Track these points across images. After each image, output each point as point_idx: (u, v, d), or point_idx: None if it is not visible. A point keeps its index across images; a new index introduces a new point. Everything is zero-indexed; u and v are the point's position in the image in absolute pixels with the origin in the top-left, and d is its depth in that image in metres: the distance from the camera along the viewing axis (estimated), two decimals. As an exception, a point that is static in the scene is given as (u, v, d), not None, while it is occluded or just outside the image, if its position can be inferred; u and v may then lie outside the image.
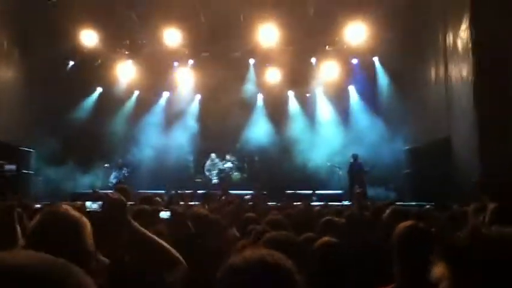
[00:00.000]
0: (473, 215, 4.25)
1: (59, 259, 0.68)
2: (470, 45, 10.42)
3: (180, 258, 1.79)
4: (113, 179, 14.59)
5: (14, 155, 11.76)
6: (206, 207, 7.19)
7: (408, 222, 2.67)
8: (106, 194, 1.86)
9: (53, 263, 0.67)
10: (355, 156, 14.01)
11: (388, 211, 4.27)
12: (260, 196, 7.47)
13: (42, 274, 0.64)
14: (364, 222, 4.55)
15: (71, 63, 15.51)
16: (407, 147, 14.00)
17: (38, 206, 5.21)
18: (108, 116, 16.32)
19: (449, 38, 11.88)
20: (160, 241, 1.83)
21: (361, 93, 16.60)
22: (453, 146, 11.58)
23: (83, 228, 1.70)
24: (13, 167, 10.67)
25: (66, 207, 1.77)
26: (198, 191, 12.80)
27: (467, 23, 10.51)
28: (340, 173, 14.69)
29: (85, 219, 1.72)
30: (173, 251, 1.82)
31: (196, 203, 7.95)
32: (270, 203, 9.18)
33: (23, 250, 0.68)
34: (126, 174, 14.71)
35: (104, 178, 14.87)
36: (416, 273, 2.47)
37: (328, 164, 14.96)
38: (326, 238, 2.81)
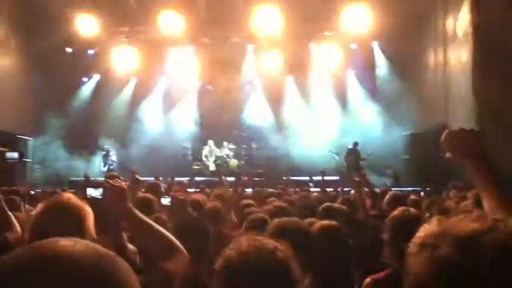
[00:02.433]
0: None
1: (110, 252, 0.69)
2: (469, 30, 10.36)
3: (180, 246, 1.79)
4: (103, 166, 14.62)
5: (12, 143, 11.75)
6: (208, 193, 7.22)
7: (399, 209, 2.70)
8: (107, 180, 1.85)
9: (107, 257, 0.68)
10: (355, 144, 14.01)
11: (387, 197, 4.30)
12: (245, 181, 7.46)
13: (95, 268, 0.65)
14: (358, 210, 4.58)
15: (69, 50, 15.39)
16: (405, 133, 14.00)
17: (33, 192, 5.21)
18: (106, 103, 16.27)
19: (449, 24, 11.81)
20: (161, 229, 1.83)
21: (360, 79, 16.55)
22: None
23: (86, 217, 1.70)
24: (15, 154, 10.68)
25: (68, 195, 1.77)
26: (196, 178, 12.86)
27: (467, 8, 10.44)
28: (337, 158, 14.70)
29: (88, 208, 1.72)
30: (173, 238, 1.82)
31: (195, 189, 7.96)
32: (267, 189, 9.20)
33: (79, 240, 0.69)
34: (115, 160, 14.74)
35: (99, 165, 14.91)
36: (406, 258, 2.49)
37: (329, 151, 14.97)
38: (326, 221, 2.82)
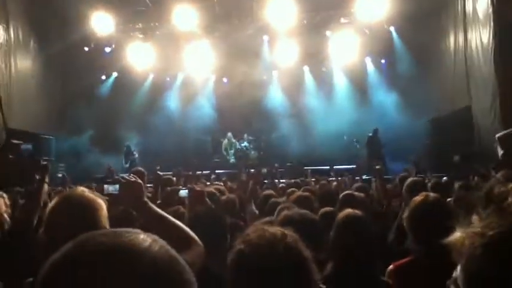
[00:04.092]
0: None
1: (176, 255, 0.72)
2: (490, 11, 10.11)
3: (196, 238, 1.82)
4: (125, 163, 14.79)
5: (34, 143, 11.96)
6: (228, 184, 7.25)
7: (420, 196, 2.66)
8: (123, 177, 1.91)
9: (177, 260, 0.72)
10: (375, 131, 13.86)
11: (406, 183, 4.24)
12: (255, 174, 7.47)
13: (167, 270, 0.69)
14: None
15: (86, 49, 15.59)
16: (426, 118, 13.77)
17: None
18: (125, 100, 16.45)
19: (469, 5, 11.53)
20: (177, 222, 1.87)
21: (378, 65, 16.33)
22: (474, 114, 11.37)
23: (98, 209, 1.74)
24: (29, 146, 10.89)
25: (81, 189, 1.82)
26: (216, 171, 12.92)
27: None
28: (358, 146, 14.57)
29: (100, 201, 1.76)
30: (189, 231, 1.85)
31: (216, 182, 7.99)
32: (288, 180, 9.19)
33: (156, 238, 0.73)
34: (136, 156, 14.91)
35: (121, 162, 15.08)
36: (430, 246, 2.47)
37: (345, 138, 14.85)
38: (349, 210, 2.79)
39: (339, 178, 7.30)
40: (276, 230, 1.42)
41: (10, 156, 10.02)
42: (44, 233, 1.71)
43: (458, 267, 0.94)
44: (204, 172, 10.64)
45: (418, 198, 2.66)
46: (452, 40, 12.88)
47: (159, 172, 4.86)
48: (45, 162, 3.37)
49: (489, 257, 0.85)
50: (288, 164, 13.25)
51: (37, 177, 3.19)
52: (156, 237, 0.73)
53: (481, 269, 0.86)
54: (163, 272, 0.68)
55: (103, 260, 0.65)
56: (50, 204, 1.78)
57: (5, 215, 3.08)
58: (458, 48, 12.44)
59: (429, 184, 4.86)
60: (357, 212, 2.73)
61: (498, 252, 0.84)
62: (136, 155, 14.97)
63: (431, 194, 2.70)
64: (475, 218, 0.96)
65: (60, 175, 13.41)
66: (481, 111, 10.93)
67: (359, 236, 2.54)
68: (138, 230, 0.73)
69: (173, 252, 0.72)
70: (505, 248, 0.84)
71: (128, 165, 14.32)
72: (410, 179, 4.26)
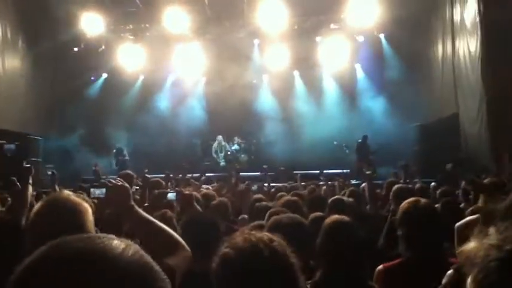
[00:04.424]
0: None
1: (150, 261, 0.71)
2: (478, 20, 10.25)
3: (183, 242, 1.83)
4: (115, 165, 14.67)
5: (20, 143, 11.80)
6: (217, 189, 7.23)
7: (411, 199, 2.70)
8: (109, 180, 1.89)
9: (147, 264, 0.70)
10: (364, 137, 13.95)
11: (393, 189, 4.28)
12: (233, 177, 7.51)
13: (140, 276, 0.68)
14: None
15: (76, 49, 15.48)
16: (415, 125, 13.90)
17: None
18: (114, 101, 16.35)
19: (457, 14, 11.68)
20: (164, 226, 1.87)
21: (368, 72, 16.44)
22: (461, 122, 11.50)
23: (83, 212, 1.73)
24: (12, 146, 10.72)
25: (66, 193, 1.81)
26: (206, 174, 12.88)
27: (475, -2, 10.33)
28: (347, 151, 14.65)
29: (85, 204, 1.75)
30: (176, 236, 1.87)
31: (208, 186, 7.97)
32: (277, 184, 9.21)
33: (130, 243, 0.72)
34: (126, 158, 14.79)
35: (112, 164, 14.95)
36: (420, 248, 2.51)
37: (335, 143, 14.92)
38: (336, 216, 2.81)
39: (329, 182, 7.34)
40: (263, 234, 1.42)
41: None
42: (28, 235, 1.70)
43: (469, 279, 0.90)
44: (194, 175, 10.60)
45: (408, 201, 2.70)
46: (441, 48, 13.03)
47: (147, 175, 4.85)
48: (28, 165, 3.34)
49: (504, 272, 0.81)
50: (281, 168, 13.24)
51: (14, 178, 3.15)
52: (130, 242, 0.72)
53: (493, 283, 0.82)
54: (135, 278, 0.66)
55: (74, 265, 0.64)
56: (35, 207, 1.76)
57: None
58: (447, 55, 12.59)
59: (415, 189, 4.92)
60: (344, 217, 2.75)
61: None
62: (127, 157, 14.85)
63: (422, 199, 2.74)
64: (492, 229, 0.93)
65: (49, 172, 13.26)
66: (468, 119, 11.07)
67: (346, 241, 2.56)
68: (113, 236, 0.72)
69: (147, 258, 0.71)
70: None
71: (117, 167, 14.20)
72: (397, 186, 4.31)
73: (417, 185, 6.10)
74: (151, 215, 2.09)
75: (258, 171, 13.37)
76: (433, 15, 13.36)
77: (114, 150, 15.02)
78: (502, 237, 0.86)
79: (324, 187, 7.24)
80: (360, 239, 2.67)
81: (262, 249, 1.33)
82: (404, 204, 2.70)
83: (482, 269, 0.85)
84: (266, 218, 2.98)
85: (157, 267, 0.71)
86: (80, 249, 0.67)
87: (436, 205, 3.98)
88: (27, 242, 1.69)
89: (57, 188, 4.95)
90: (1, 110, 11.93)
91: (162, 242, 1.81)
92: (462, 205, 4.49)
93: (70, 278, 0.63)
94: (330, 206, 3.98)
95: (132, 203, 1.88)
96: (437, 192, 5.22)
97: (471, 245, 0.89)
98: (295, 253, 1.39)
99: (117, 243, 0.70)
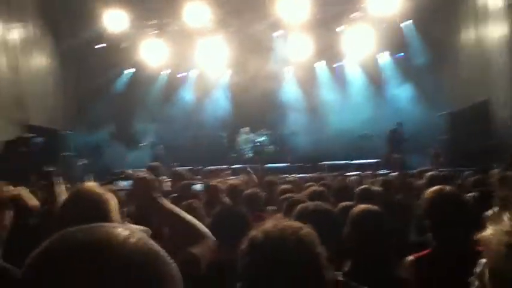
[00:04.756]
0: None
1: (155, 247, 0.71)
2: (505, 3, 9.97)
3: (208, 232, 1.88)
4: (148, 157, 14.82)
5: (50, 137, 12.06)
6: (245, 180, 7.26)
7: (435, 188, 2.66)
8: (135, 172, 1.97)
9: (156, 253, 0.70)
10: (399, 124, 13.75)
11: (425, 177, 4.19)
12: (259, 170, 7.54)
13: (144, 264, 0.67)
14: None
15: (100, 46, 15.71)
16: (444, 113, 13.60)
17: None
18: (140, 96, 16.57)
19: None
20: (189, 217, 1.92)
21: (393, 60, 16.16)
22: (492, 108, 11.20)
23: (106, 203, 1.79)
24: (40, 139, 10.96)
25: (91, 184, 1.88)
26: (233, 166, 12.94)
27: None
28: (376, 140, 14.45)
29: (108, 195, 1.81)
30: (201, 225, 1.91)
31: (233, 177, 8.01)
32: (305, 175, 9.18)
33: (134, 230, 0.72)
34: (161, 152, 14.94)
35: (141, 157, 15.12)
36: (447, 237, 2.46)
37: (365, 132, 14.76)
38: (363, 205, 2.77)
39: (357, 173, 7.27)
40: (294, 223, 1.43)
41: (21, 150, 10.13)
42: (55, 226, 1.75)
43: (483, 263, 0.93)
44: (221, 167, 10.68)
45: (433, 190, 2.67)
46: (467, 33, 12.71)
47: (175, 169, 4.93)
48: (50, 169, 3.39)
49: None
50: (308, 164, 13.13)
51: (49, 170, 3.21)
52: (134, 229, 0.72)
53: (504, 268, 0.84)
54: (141, 265, 0.66)
55: (79, 255, 0.65)
56: (63, 199, 1.83)
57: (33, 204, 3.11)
58: (473, 41, 12.27)
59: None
60: (371, 206, 2.72)
61: None
62: (162, 151, 14.95)
63: (447, 187, 2.69)
64: (507, 215, 0.94)
65: (81, 163, 13.59)
66: (498, 105, 10.77)
67: (373, 231, 2.53)
68: (116, 224, 0.73)
69: (152, 244, 0.71)
70: None
71: (153, 160, 14.25)
72: (430, 173, 4.23)
73: (448, 173, 5.95)
74: (178, 206, 2.12)
75: (284, 162, 13.37)
76: (457, 1, 12.99)
77: (146, 143, 15.18)
78: None
79: (352, 177, 7.17)
80: (388, 228, 2.63)
81: (289, 236, 1.34)
82: (429, 192, 2.65)
83: (493, 255, 0.89)
84: (286, 207, 2.96)
85: (163, 252, 0.71)
86: (85, 239, 0.67)
87: (471, 194, 3.90)
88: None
89: (88, 178, 5.07)
90: (31, 107, 12.24)
91: (187, 232, 1.85)
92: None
93: (76, 268, 0.63)
94: (358, 195, 3.93)
95: (158, 194, 1.92)
96: (471, 180, 5.09)
97: (488, 231, 0.93)
98: (322, 242, 1.39)
99: (121, 230, 0.70)
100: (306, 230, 1.39)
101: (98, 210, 1.72)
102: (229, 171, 10.03)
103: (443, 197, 2.57)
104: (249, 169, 8.11)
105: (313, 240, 1.37)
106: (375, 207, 2.72)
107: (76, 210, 1.70)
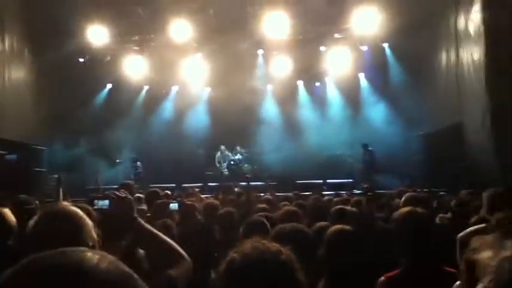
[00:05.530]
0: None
1: (127, 270, 0.70)
2: (482, 28, 10.23)
3: (185, 254, 1.86)
4: (124, 174, 14.64)
5: (26, 153, 11.86)
6: (220, 198, 7.23)
7: (406, 208, 2.70)
8: (113, 192, 1.91)
9: (129, 276, 0.69)
10: (368, 146, 13.96)
11: (403, 198, 4.25)
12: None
13: (113, 285, 0.66)
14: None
15: (81, 60, 15.58)
16: (418, 133, 13.87)
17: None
18: (118, 112, 16.42)
19: (461, 22, 11.68)
20: (166, 238, 1.90)
21: (372, 81, 16.45)
22: (465, 131, 11.45)
23: (83, 224, 1.71)
24: (14, 156, 10.76)
25: (64, 203, 1.81)
26: (209, 184, 12.89)
27: (479, 6, 10.32)
28: (351, 161, 14.62)
29: (82, 215, 1.73)
30: (177, 246, 1.89)
31: (207, 195, 7.98)
32: (280, 194, 9.20)
33: (105, 254, 0.71)
34: (139, 170, 14.80)
35: (116, 174, 14.92)
36: (417, 257, 2.50)
37: (338, 152, 14.92)
38: (339, 226, 2.80)
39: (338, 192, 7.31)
40: (272, 244, 1.42)
41: None
42: (26, 249, 1.68)
43: (480, 285, 0.92)
44: (197, 185, 10.62)
45: (404, 210, 2.71)
46: (445, 56, 13.01)
47: (154, 189, 4.88)
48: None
49: None
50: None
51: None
52: (105, 253, 0.71)
53: None
54: None
55: (50, 280, 0.63)
56: (32, 219, 1.75)
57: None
58: (451, 64, 12.56)
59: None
60: (345, 227, 2.75)
61: None
62: (141, 170, 14.81)
63: (418, 209, 2.74)
64: (509, 242, 0.94)
65: (56, 176, 13.26)
66: (472, 128, 11.01)
67: (346, 251, 2.55)
68: (86, 248, 0.71)
69: (124, 267, 0.70)
70: None
71: (134, 178, 14.03)
72: (408, 194, 4.30)
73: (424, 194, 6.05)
74: (153, 225, 2.10)
75: (261, 181, 13.39)
76: (437, 23, 13.36)
77: (124, 160, 15.00)
78: None
79: (327, 197, 7.22)
80: (361, 248, 2.66)
81: (268, 258, 1.33)
82: (400, 213, 2.70)
83: (494, 279, 0.86)
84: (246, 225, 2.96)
85: (135, 276, 0.70)
86: (55, 263, 0.66)
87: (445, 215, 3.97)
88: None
89: (61, 193, 4.96)
90: (6, 120, 11.98)
91: (165, 254, 1.83)
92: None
93: None
94: (333, 215, 3.97)
95: (136, 214, 1.89)
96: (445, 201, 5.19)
97: (488, 253, 0.92)
98: (299, 263, 1.39)
99: (91, 255, 0.69)
100: (286, 252, 1.39)
101: (68, 231, 1.64)
102: (199, 190, 9.97)
103: (414, 217, 2.61)
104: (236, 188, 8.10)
105: (293, 262, 1.36)
106: (349, 228, 2.75)
107: (46, 230, 1.62)
